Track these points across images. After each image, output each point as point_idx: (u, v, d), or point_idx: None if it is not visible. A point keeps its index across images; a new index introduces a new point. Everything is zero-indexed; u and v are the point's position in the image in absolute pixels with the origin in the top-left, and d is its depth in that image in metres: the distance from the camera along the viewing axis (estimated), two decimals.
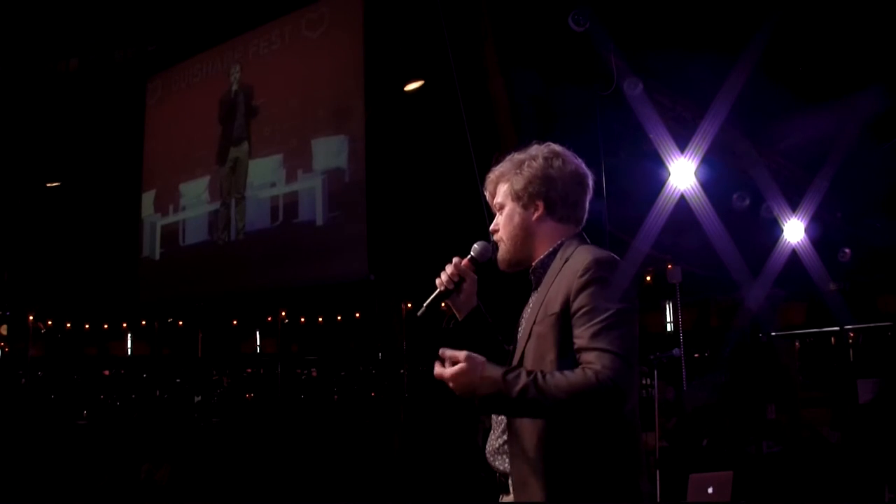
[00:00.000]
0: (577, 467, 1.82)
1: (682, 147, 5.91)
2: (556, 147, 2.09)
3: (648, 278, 10.06)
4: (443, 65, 6.87)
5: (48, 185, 13.61)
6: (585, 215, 2.09)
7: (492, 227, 2.13)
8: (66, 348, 16.84)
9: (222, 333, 15.78)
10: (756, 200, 7.08)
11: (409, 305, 12.68)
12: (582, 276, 1.86)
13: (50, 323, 16.09)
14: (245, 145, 10.63)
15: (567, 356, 1.85)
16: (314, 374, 15.17)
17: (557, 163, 2.04)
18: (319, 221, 9.59)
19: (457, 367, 1.79)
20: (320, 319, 16.47)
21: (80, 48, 13.43)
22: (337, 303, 15.17)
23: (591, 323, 1.82)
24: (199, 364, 14.05)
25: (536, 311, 1.96)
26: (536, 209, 2.04)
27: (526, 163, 2.06)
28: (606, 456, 1.84)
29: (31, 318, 14.75)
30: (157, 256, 11.77)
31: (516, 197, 2.05)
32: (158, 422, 9.50)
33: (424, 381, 12.21)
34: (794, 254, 7.41)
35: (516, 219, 2.06)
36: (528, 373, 1.77)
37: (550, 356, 1.87)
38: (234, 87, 10.96)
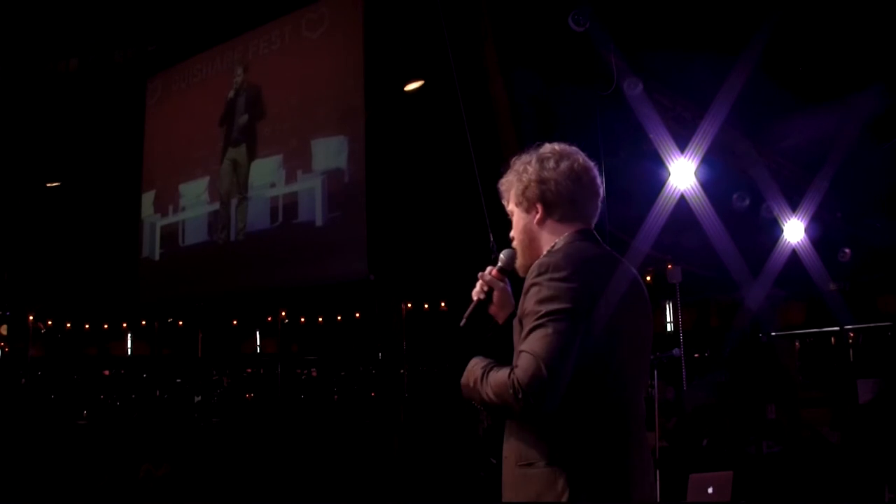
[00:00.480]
0: (535, 480, 1.87)
1: (682, 147, 5.91)
2: (554, 146, 2.09)
3: (648, 278, 10.06)
4: (443, 65, 6.87)
5: (48, 185, 13.61)
6: (593, 211, 2.09)
7: (511, 234, 2.17)
8: (66, 348, 16.84)
9: (222, 333, 15.78)
10: (756, 200, 7.08)
11: (409, 305, 12.68)
12: (530, 277, 1.92)
13: (50, 323, 16.09)
14: (243, 147, 10.64)
15: None
16: (314, 374, 15.16)
17: (550, 163, 2.04)
18: (319, 222, 9.59)
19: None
20: (320, 319, 16.46)
21: (80, 48, 13.43)
22: (337, 303, 15.16)
23: (525, 326, 1.86)
24: (199, 364, 14.04)
25: (517, 312, 2.01)
26: (536, 212, 2.06)
27: (523, 167, 2.08)
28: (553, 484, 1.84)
29: (31, 318, 14.74)
30: (157, 257, 11.78)
31: (518, 202, 2.09)
32: (158, 422, 9.50)
33: (424, 381, 12.22)
34: (794, 254, 7.41)
35: (521, 223, 2.10)
36: (486, 367, 1.93)
37: (516, 354, 1.92)
38: (235, 89, 10.97)
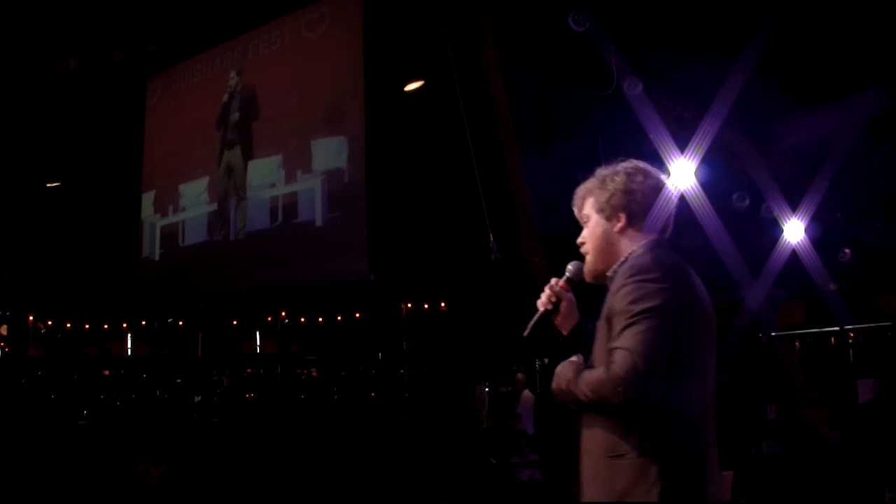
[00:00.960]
0: (627, 471, 1.94)
1: (682, 147, 5.91)
2: (639, 163, 2.22)
3: None
4: (443, 65, 6.87)
5: (48, 185, 13.60)
6: (667, 226, 2.20)
7: (579, 240, 2.25)
8: (66, 348, 16.82)
9: (222, 333, 15.76)
10: (756, 200, 7.08)
11: (409, 305, 12.68)
12: (620, 282, 2.02)
13: (50, 323, 16.08)
14: (237, 150, 10.63)
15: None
16: (314, 374, 15.16)
17: (639, 177, 2.17)
18: (319, 222, 9.59)
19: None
20: (320, 319, 16.45)
21: (80, 48, 13.43)
22: (337, 303, 15.15)
23: (617, 325, 1.96)
24: (199, 364, 14.04)
25: (601, 314, 2.10)
26: (619, 220, 2.16)
27: (609, 177, 2.19)
28: (644, 475, 1.93)
29: (31, 318, 14.74)
30: (157, 257, 11.78)
31: (600, 209, 2.18)
32: (158, 422, 9.51)
33: (424, 381, 12.22)
34: (794, 254, 7.41)
35: (599, 230, 2.19)
36: (576, 370, 2.02)
37: (601, 354, 2.03)
38: (229, 93, 10.96)
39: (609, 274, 2.15)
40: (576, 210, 2.28)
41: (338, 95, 9.57)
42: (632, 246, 2.14)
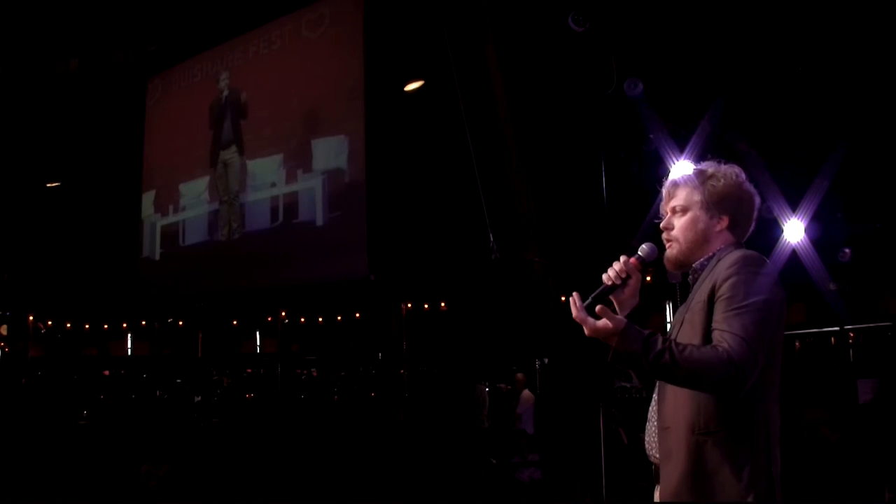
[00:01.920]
0: (717, 448, 1.99)
1: (683, 147, 5.91)
2: (740, 170, 2.26)
3: (648, 278, 10.07)
4: (443, 65, 6.87)
5: (48, 185, 13.60)
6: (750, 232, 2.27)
7: (664, 224, 2.26)
8: (66, 348, 16.83)
9: (222, 333, 15.76)
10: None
11: (409, 305, 12.68)
12: (729, 268, 2.05)
13: (50, 323, 16.08)
14: (233, 148, 10.62)
15: (709, 340, 2.01)
16: (314, 374, 15.15)
17: (748, 186, 2.23)
18: (319, 221, 9.60)
19: (601, 322, 1.97)
20: (320, 319, 16.44)
21: (80, 48, 13.43)
22: (337, 303, 15.15)
23: (728, 308, 1.99)
24: (199, 364, 14.03)
25: (689, 303, 2.15)
26: (720, 221, 2.19)
27: (716, 177, 2.21)
28: (749, 448, 2.00)
29: (31, 318, 14.74)
30: (157, 257, 11.78)
31: (706, 206, 2.20)
32: (158, 422, 9.50)
33: (424, 381, 12.22)
34: (794, 254, 7.40)
35: (700, 225, 2.20)
36: (664, 340, 1.95)
37: (696, 340, 2.02)
38: (224, 93, 10.96)
39: (696, 266, 2.20)
40: (664, 194, 2.29)
41: (338, 95, 9.57)
42: (722, 245, 2.20)
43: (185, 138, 11.53)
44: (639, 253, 2.19)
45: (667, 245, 2.24)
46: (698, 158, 5.94)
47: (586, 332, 2.10)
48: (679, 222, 2.23)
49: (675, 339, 1.99)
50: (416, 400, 10.87)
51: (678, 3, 6.48)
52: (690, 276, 2.23)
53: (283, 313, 15.30)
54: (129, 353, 18.22)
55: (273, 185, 10.22)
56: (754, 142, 6.86)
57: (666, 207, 2.28)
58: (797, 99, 6.52)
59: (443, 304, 13.46)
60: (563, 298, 7.12)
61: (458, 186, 7.23)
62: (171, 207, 11.63)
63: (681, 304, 2.30)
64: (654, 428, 2.17)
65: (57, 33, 12.82)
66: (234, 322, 16.52)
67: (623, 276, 2.18)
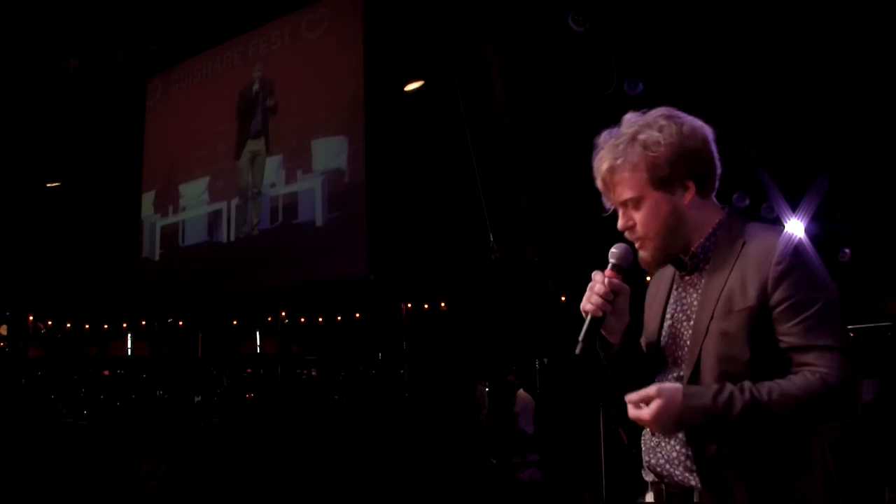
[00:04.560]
0: (780, 474, 1.64)
1: None
2: (672, 110, 1.73)
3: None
4: (443, 65, 6.87)
5: (48, 185, 13.61)
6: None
7: (622, 225, 1.75)
8: (66, 348, 16.84)
9: (222, 333, 15.77)
10: (756, 200, 7.08)
11: (409, 305, 12.68)
12: (779, 263, 1.61)
13: (50, 323, 16.10)
14: (262, 139, 10.51)
15: (766, 357, 1.60)
16: (314, 374, 15.16)
17: (687, 128, 1.69)
18: (319, 222, 9.60)
19: (654, 406, 1.58)
20: (320, 319, 16.45)
21: (80, 48, 13.44)
22: (337, 303, 15.16)
23: (802, 317, 1.58)
24: (199, 364, 14.03)
25: (713, 305, 1.65)
26: (686, 190, 1.69)
27: (653, 141, 1.67)
28: (806, 460, 1.67)
29: (31, 318, 14.75)
30: (157, 257, 11.78)
31: (660, 183, 1.68)
32: (158, 422, 9.49)
33: (424, 381, 12.22)
34: None
35: (665, 208, 1.69)
36: (741, 390, 1.56)
37: (743, 357, 1.61)
38: (256, 85, 10.83)
39: (696, 251, 1.72)
40: (602, 185, 1.75)
41: (338, 95, 9.57)
42: (705, 217, 1.72)
43: (184, 139, 11.53)
44: (613, 261, 1.73)
45: (637, 246, 1.75)
46: None
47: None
48: (639, 217, 1.71)
49: (749, 386, 1.57)
50: (416, 400, 10.86)
51: (678, 3, 6.48)
52: (688, 263, 1.74)
53: (283, 313, 15.31)
54: (129, 353, 18.23)
55: (273, 185, 10.22)
56: (754, 141, 6.86)
57: (612, 201, 1.75)
58: (797, 99, 6.52)
59: (443, 304, 13.46)
60: (563, 298, 7.13)
61: (458, 186, 7.24)
62: (170, 207, 11.63)
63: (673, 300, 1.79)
64: (671, 445, 1.71)
65: (57, 33, 12.83)
66: (234, 322, 16.53)
67: (609, 298, 1.70)
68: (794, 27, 6.09)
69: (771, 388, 1.55)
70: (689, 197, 1.69)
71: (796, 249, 1.64)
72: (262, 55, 10.71)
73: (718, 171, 1.73)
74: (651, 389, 1.59)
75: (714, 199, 1.74)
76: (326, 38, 9.89)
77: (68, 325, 16.63)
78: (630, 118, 1.73)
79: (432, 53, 7.41)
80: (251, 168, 10.53)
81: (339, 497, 6.92)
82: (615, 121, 1.79)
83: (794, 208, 7.16)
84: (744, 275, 1.64)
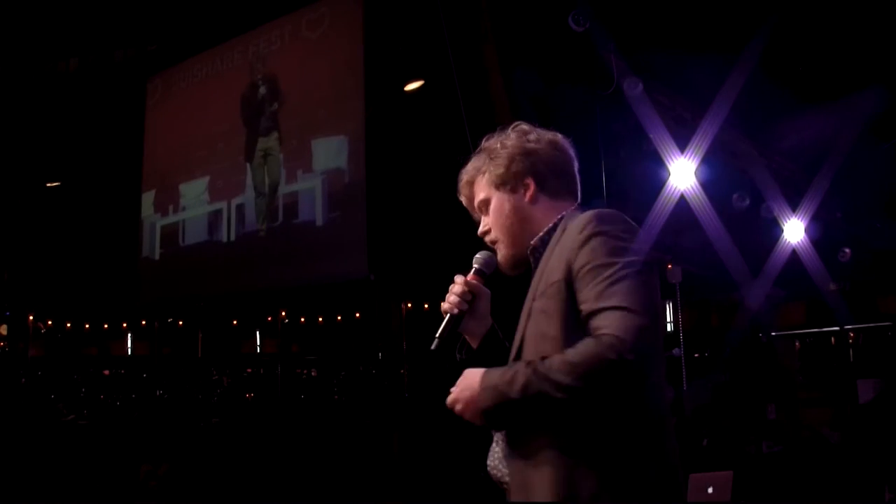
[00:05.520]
0: (592, 463, 1.52)
1: (682, 147, 5.91)
2: (522, 124, 1.86)
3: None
4: (443, 65, 6.87)
5: (48, 185, 13.61)
6: (579, 188, 1.84)
7: (480, 231, 1.88)
8: (66, 348, 16.84)
9: (222, 333, 15.77)
10: (756, 200, 7.08)
11: (409, 305, 12.68)
12: (581, 231, 1.61)
13: (50, 323, 16.10)
14: (275, 135, 10.43)
15: (575, 329, 1.56)
16: (314, 374, 15.17)
17: (533, 136, 1.81)
18: (319, 221, 9.59)
19: (456, 389, 1.62)
20: (320, 319, 16.46)
21: (80, 48, 13.44)
22: (337, 303, 15.17)
23: (597, 280, 1.54)
24: (199, 364, 14.04)
25: (536, 287, 1.69)
26: (527, 188, 1.78)
27: (493, 148, 1.83)
28: (628, 446, 1.53)
29: (31, 318, 14.76)
30: (157, 256, 11.77)
31: (501, 183, 1.80)
32: (158, 422, 9.50)
33: (424, 381, 12.22)
34: (794, 254, 7.41)
35: (507, 206, 1.79)
36: (528, 363, 1.53)
37: (553, 332, 1.59)
38: (262, 86, 10.75)
39: (534, 243, 1.76)
40: (464, 201, 1.91)
41: (338, 95, 9.56)
42: (550, 214, 1.77)
43: (185, 138, 11.52)
44: (476, 266, 1.84)
45: (496, 250, 1.84)
46: (698, 158, 5.95)
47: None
48: (490, 219, 1.83)
49: (538, 359, 1.53)
50: (416, 400, 10.87)
51: (678, 3, 6.48)
52: (531, 260, 1.78)
53: (283, 313, 15.32)
54: (129, 352, 18.24)
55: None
56: (755, 140, 6.87)
57: (474, 212, 1.90)
58: (797, 98, 6.52)
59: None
60: None
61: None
62: (170, 207, 11.62)
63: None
64: (497, 446, 1.76)
65: (57, 33, 12.83)
66: (234, 322, 16.54)
67: (467, 298, 1.80)
68: (794, 26, 6.09)
69: (553, 358, 1.51)
70: (529, 195, 1.78)
71: (599, 217, 1.62)
72: (262, 55, 10.71)
73: (569, 171, 1.81)
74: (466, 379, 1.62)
75: (568, 199, 1.81)
76: (326, 38, 9.88)
77: (68, 325, 16.64)
78: (487, 140, 1.88)
79: (432, 53, 7.41)
80: (265, 166, 10.47)
81: (339, 497, 6.92)
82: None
83: (794, 208, 7.17)
84: (559, 252, 1.65)
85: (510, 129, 1.85)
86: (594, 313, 1.53)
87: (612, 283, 1.52)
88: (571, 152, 1.84)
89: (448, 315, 1.79)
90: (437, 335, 1.76)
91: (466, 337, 1.85)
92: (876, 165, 6.96)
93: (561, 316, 1.59)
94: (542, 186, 1.79)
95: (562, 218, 1.75)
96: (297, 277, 9.93)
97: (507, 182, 1.79)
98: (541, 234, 1.76)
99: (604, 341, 1.47)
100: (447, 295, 1.82)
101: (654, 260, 1.62)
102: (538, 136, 1.81)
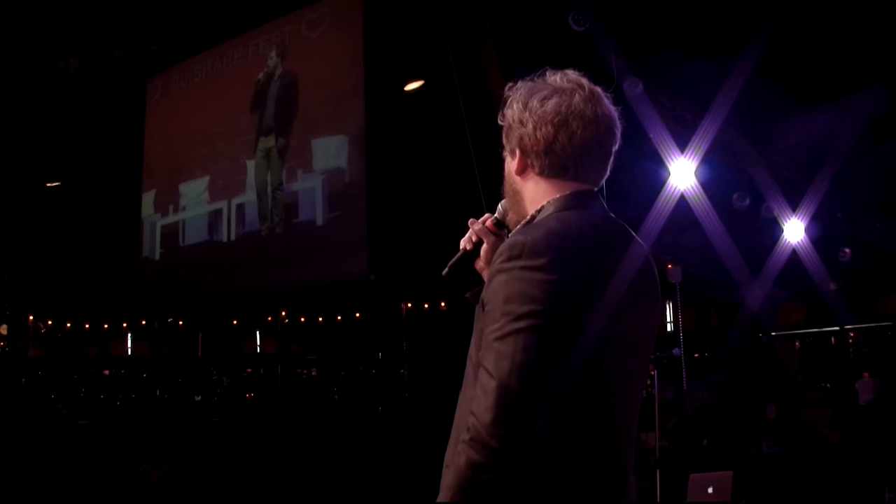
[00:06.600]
0: None
1: (682, 147, 5.91)
2: (557, 75, 1.63)
3: None
4: (443, 65, 6.87)
5: (48, 185, 13.62)
6: (593, 169, 1.57)
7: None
8: (66, 348, 16.86)
9: (222, 333, 15.79)
10: (756, 200, 7.08)
11: (409, 305, 12.68)
12: (494, 261, 1.43)
13: (50, 323, 16.12)
14: (273, 136, 10.43)
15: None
16: (314, 374, 15.18)
17: (535, 100, 1.55)
18: (319, 221, 9.59)
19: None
20: (320, 319, 16.48)
21: (80, 48, 13.44)
22: (337, 303, 15.18)
23: (487, 329, 1.37)
24: (199, 364, 14.05)
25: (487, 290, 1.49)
26: (515, 163, 1.58)
27: (512, 98, 1.62)
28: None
29: (31, 318, 14.77)
30: (157, 256, 11.77)
31: (504, 142, 1.63)
32: (158, 422, 9.50)
33: (424, 381, 12.23)
34: (794, 254, 7.41)
35: (505, 169, 1.63)
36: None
37: (473, 354, 1.48)
38: (266, 75, 10.69)
39: (512, 227, 1.63)
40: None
41: (338, 95, 9.56)
42: (538, 198, 1.55)
43: (185, 138, 11.52)
44: (496, 213, 1.70)
45: None
46: (698, 158, 5.95)
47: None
48: None
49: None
50: (416, 400, 10.87)
51: (678, 4, 6.48)
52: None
53: (283, 313, 15.33)
54: (129, 353, 18.25)
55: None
56: (755, 140, 6.86)
57: None
58: (797, 98, 6.52)
59: (443, 304, 13.47)
60: None
61: (458, 186, 7.23)
62: (171, 207, 11.62)
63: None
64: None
65: (57, 33, 12.83)
66: (234, 322, 16.56)
67: (474, 239, 1.69)
68: (794, 26, 6.09)
69: (444, 477, 1.39)
70: (516, 166, 1.56)
71: (510, 252, 1.39)
72: (262, 55, 10.71)
73: (567, 155, 1.53)
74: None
75: (571, 182, 1.55)
76: (326, 38, 9.88)
77: (68, 325, 16.65)
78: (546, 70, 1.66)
79: (432, 53, 7.41)
80: (267, 165, 10.45)
81: (339, 497, 6.92)
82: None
83: (794, 208, 7.16)
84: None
85: (538, 80, 1.63)
86: (479, 370, 1.37)
87: (496, 339, 1.34)
88: (583, 127, 1.54)
89: (462, 250, 1.74)
90: (449, 264, 1.74)
91: (482, 274, 1.72)
92: (876, 165, 6.95)
93: (477, 340, 1.46)
94: (529, 163, 1.56)
95: (549, 203, 1.54)
96: (297, 277, 9.93)
97: (507, 144, 1.62)
98: (523, 221, 1.57)
99: (462, 451, 1.33)
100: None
101: (564, 311, 1.35)
102: (542, 101, 1.55)
